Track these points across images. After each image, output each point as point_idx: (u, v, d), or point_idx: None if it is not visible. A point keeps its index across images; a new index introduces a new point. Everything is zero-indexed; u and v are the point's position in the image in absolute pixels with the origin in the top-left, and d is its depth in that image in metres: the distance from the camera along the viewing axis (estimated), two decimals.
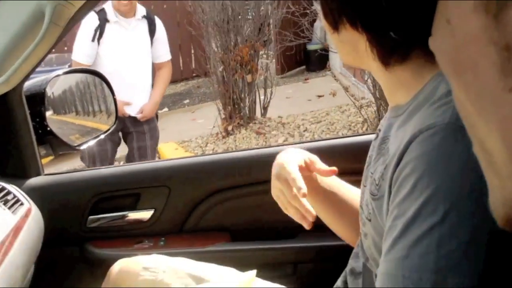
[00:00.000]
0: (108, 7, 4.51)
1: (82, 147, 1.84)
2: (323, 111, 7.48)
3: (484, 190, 0.82)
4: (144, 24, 4.59)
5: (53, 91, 1.82)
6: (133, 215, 1.91)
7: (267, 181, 1.64)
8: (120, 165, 2.00)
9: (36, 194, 1.74)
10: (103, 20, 4.42)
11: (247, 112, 7.16)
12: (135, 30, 4.55)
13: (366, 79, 6.04)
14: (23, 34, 1.41)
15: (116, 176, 1.91)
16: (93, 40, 4.41)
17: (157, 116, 4.87)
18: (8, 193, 1.55)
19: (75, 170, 2.03)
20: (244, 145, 6.61)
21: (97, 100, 2.02)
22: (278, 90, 7.58)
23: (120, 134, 4.71)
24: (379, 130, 1.25)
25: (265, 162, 1.83)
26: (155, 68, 4.77)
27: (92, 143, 1.86)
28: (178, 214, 1.92)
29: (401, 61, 1.04)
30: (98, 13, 4.43)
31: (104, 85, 1.96)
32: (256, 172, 1.88)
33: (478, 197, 0.84)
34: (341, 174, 1.86)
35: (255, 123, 7.13)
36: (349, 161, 1.85)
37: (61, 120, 1.86)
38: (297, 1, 7.68)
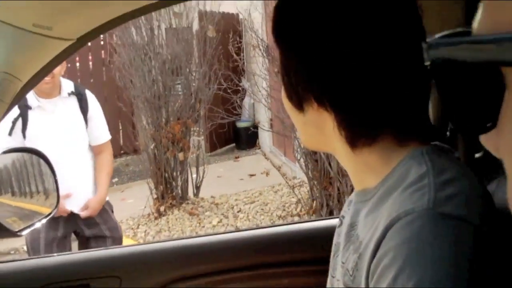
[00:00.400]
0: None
1: (23, 233, 1.70)
2: (256, 191, 7.47)
3: (471, 272, 0.81)
4: (73, 102, 3.98)
5: None
6: None
7: (236, 269, 1.57)
8: (68, 253, 1.87)
9: None
10: (24, 107, 3.81)
11: (180, 191, 7.06)
12: (63, 111, 3.94)
13: (298, 158, 6.06)
14: None
15: (63, 266, 1.77)
16: (10, 133, 3.77)
17: (112, 210, 4.22)
18: None
19: (19, 260, 1.88)
20: (177, 226, 6.49)
21: (36, 181, 1.90)
22: (209, 169, 7.53)
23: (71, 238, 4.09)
24: (343, 216, 1.20)
25: (231, 249, 1.74)
26: (94, 152, 4.13)
27: (33, 227, 1.72)
28: None
29: (369, 143, 1.00)
30: None
31: (44, 164, 1.85)
32: (222, 259, 1.77)
33: (464, 282, 0.81)
34: (301, 263, 1.79)
35: (188, 203, 7.03)
36: (309, 249, 1.79)
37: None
38: (229, 77, 7.75)
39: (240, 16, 8.48)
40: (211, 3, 7.95)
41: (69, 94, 3.94)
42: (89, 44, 10.21)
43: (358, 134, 1.00)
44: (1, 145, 3.51)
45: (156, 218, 6.81)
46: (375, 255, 0.90)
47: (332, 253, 1.19)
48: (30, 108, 3.82)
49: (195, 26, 7.87)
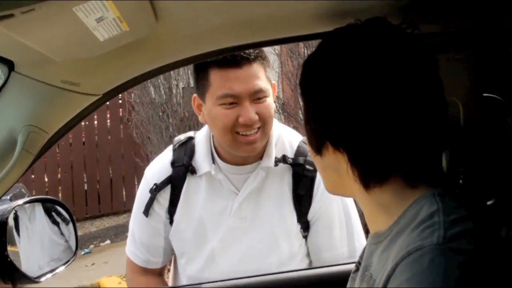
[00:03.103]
0: (202, 138, 2.10)
1: (42, 280, 1.75)
2: None
3: None
4: (284, 179, 2.04)
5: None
6: None
7: None
8: None
9: None
10: (180, 169, 2.05)
11: None
12: (256, 193, 2.02)
13: None
14: None
15: None
16: (147, 213, 2.07)
17: None
18: None
19: None
20: None
21: (55, 230, 1.96)
22: None
23: None
24: (359, 262, 1.26)
25: None
26: None
27: (51, 275, 1.78)
28: None
29: (380, 184, 1.07)
30: (175, 150, 2.10)
31: (65, 214, 1.91)
32: None
33: None
34: None
35: None
36: None
37: (19, 251, 1.78)
38: None
39: None
40: None
41: (277, 162, 2.02)
42: (107, 102, 10.35)
43: (369, 174, 1.07)
44: (140, 235, 2.17)
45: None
46: None
47: None
48: (193, 172, 2.05)
49: None
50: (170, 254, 2.18)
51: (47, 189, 9.95)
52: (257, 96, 1.88)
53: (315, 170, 1.98)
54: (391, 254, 1.00)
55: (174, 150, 2.08)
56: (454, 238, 0.92)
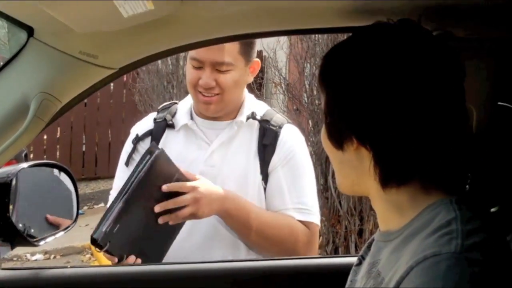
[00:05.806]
0: (184, 102, 2.39)
1: (40, 243, 1.76)
2: None
3: None
4: (251, 134, 2.27)
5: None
6: None
7: None
8: (86, 266, 1.90)
9: None
10: (161, 123, 2.31)
11: None
12: (226, 146, 2.24)
13: None
14: (4, 126, 1.37)
15: (80, 278, 1.81)
16: (127, 163, 2.27)
17: None
18: None
19: (37, 268, 1.93)
20: None
21: (58, 195, 1.96)
22: None
23: None
24: (362, 257, 1.27)
25: (233, 277, 1.79)
26: None
27: (51, 239, 1.79)
28: None
29: (398, 185, 1.07)
30: (159, 111, 2.37)
31: (68, 180, 1.92)
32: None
33: None
34: None
35: None
36: (315, 285, 1.83)
37: (21, 213, 1.79)
38: None
39: (264, 53, 8.63)
40: None
41: (248, 118, 2.26)
42: None
43: (390, 174, 1.07)
44: (117, 176, 2.32)
45: None
46: None
47: None
48: (171, 126, 2.30)
49: None
50: None
51: (45, 147, 9.96)
52: (219, 67, 2.15)
53: (280, 127, 2.23)
54: (403, 255, 1.01)
55: (158, 112, 2.36)
56: (470, 249, 0.94)
